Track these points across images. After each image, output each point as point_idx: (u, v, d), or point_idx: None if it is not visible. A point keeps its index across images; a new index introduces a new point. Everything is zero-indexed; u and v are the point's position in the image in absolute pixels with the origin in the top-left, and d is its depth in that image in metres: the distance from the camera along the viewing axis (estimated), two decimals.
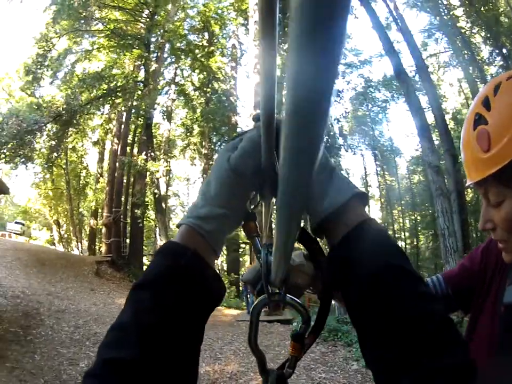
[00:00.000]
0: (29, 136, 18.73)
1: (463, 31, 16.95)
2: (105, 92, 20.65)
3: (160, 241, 21.03)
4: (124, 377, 0.46)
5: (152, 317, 0.50)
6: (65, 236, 32.89)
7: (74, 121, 20.84)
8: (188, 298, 0.53)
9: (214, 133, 24.10)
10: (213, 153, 26.22)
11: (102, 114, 25.22)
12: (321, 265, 0.64)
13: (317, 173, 0.56)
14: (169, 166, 25.48)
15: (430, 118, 14.31)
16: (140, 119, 22.29)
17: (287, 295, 0.67)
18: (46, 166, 22.85)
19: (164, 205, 21.44)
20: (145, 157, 20.40)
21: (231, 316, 13.86)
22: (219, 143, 24.91)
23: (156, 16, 21.55)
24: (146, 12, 21.65)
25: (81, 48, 22.61)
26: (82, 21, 20.04)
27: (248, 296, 14.01)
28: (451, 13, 16.78)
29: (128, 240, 23.95)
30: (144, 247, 25.64)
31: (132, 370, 0.47)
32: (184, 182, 33.70)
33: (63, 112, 18.91)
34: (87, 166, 31.22)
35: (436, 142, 13.91)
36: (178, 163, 30.74)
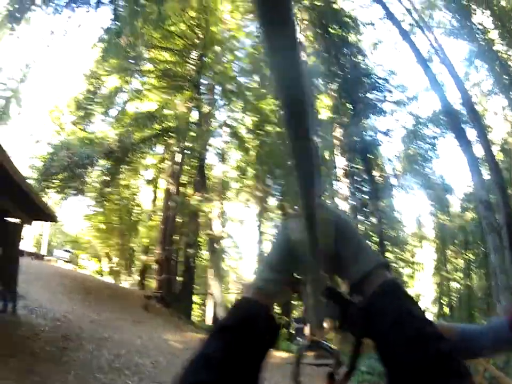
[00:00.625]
0: (79, 170, 18.97)
1: (499, 54, 16.63)
2: (158, 132, 21.19)
3: (212, 282, 20.96)
4: None
5: (231, 352, 0.65)
6: (115, 268, 33.44)
7: (127, 159, 21.24)
8: (258, 342, 0.69)
9: (269, 176, 24.48)
10: (267, 196, 26.47)
11: (154, 153, 25.56)
12: (353, 319, 0.75)
13: (346, 241, 0.76)
14: (223, 207, 25.39)
15: (479, 150, 13.95)
16: (193, 159, 22.75)
17: (324, 342, 0.86)
18: (98, 200, 23.51)
19: (217, 246, 21.65)
20: (199, 198, 20.37)
21: (280, 358, 13.59)
22: (274, 186, 25.37)
23: (204, 58, 21.80)
24: (195, 53, 22.02)
25: (132, 87, 22.90)
26: (132, 61, 20.23)
27: (299, 339, 14.80)
28: (485, 37, 16.54)
29: (179, 278, 24.29)
30: (195, 286, 25.99)
31: None
32: (238, 224, 33.41)
33: (116, 149, 19.20)
34: (140, 203, 31.76)
35: (488, 177, 13.44)
36: (233, 204, 30.67)
